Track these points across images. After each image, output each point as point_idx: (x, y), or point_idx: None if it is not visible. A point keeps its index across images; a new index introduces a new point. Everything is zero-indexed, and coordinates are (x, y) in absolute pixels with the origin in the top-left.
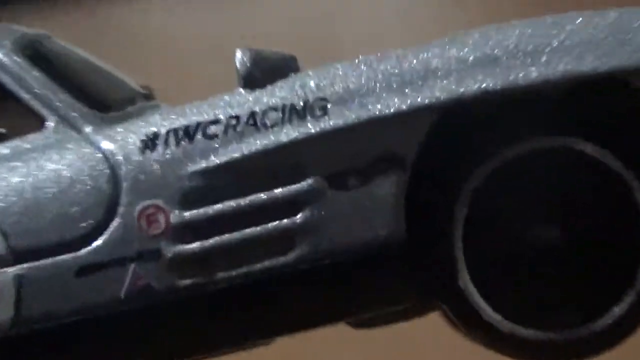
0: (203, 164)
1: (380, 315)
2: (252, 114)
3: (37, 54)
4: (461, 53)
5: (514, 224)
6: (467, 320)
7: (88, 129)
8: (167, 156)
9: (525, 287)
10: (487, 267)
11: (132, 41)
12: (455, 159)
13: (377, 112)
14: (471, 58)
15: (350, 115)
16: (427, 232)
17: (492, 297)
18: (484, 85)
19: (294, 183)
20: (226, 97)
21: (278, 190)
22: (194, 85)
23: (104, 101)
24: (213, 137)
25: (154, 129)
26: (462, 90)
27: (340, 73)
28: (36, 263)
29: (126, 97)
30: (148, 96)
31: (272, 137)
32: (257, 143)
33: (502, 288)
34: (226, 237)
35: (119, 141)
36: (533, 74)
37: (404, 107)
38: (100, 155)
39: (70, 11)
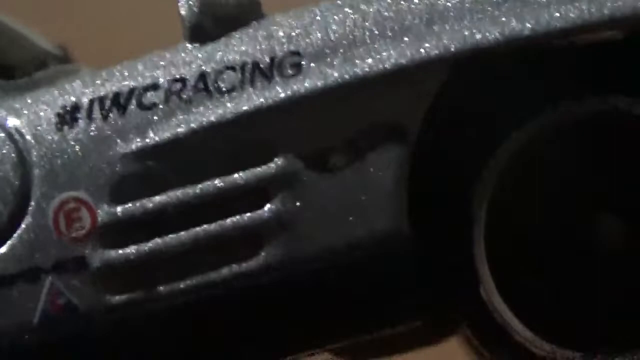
0: (139, 143)
1: (376, 341)
2: (202, 76)
3: None
4: None
5: (555, 215)
6: (491, 341)
7: None
8: (92, 133)
9: (570, 298)
10: (519, 273)
11: None
12: (474, 130)
13: (368, 69)
14: None
15: (331, 74)
16: (437, 226)
17: (524, 311)
18: (508, 30)
19: (259, 165)
20: (167, 54)
21: (238, 175)
22: (123, 40)
23: (5, 65)
24: (151, 107)
25: (73, 99)
26: (479, 37)
27: (318, 18)
28: None
29: (35, 59)
30: (64, 58)
31: (229, 105)
32: (209, 113)
33: (538, 299)
34: (170, 238)
35: (28, 115)
36: (572, 14)
37: (403, 61)
38: (2, 134)
39: None
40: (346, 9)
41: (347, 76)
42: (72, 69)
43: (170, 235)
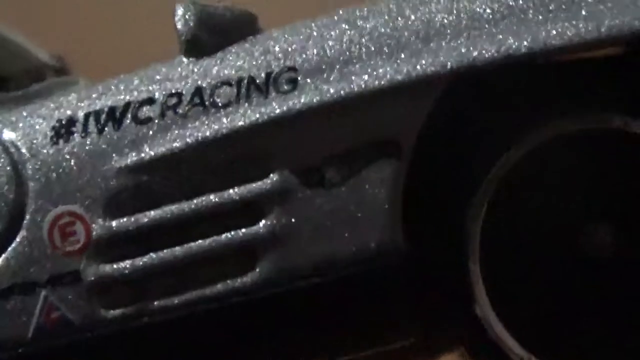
0: (134, 157)
1: (369, 358)
2: (198, 90)
3: None
4: (474, 5)
5: (551, 232)
6: (486, 359)
7: None
8: (87, 147)
9: (566, 316)
10: (514, 290)
11: None
12: (469, 145)
13: (364, 85)
14: (488, 11)
15: (327, 90)
16: (432, 243)
17: (519, 329)
18: (505, 47)
19: (254, 180)
20: (163, 68)
21: (233, 190)
22: (120, 52)
23: (2, 76)
24: (146, 121)
25: (69, 113)
26: (475, 54)
27: (315, 34)
28: None
29: (32, 71)
30: (61, 69)
31: (224, 120)
32: (204, 128)
33: (533, 317)
34: (164, 253)
35: (23, 128)
36: (569, 31)
37: (399, 77)
38: None
39: None
40: (343, 25)
41: (343, 92)
42: (69, 80)
43: (165, 250)
